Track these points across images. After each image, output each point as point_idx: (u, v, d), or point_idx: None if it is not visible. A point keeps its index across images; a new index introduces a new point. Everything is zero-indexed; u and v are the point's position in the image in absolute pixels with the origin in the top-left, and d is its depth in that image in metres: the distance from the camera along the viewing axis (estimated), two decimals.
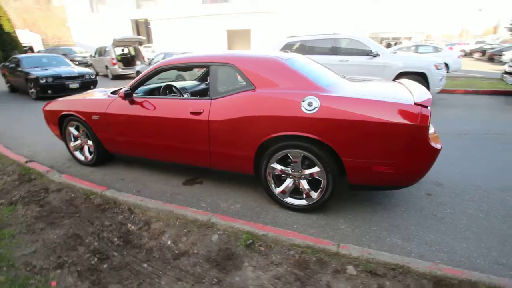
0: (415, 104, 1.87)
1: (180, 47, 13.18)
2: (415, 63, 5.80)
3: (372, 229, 2.11)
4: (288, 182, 2.31)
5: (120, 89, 3.31)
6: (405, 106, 1.86)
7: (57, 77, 7.56)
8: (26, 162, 3.28)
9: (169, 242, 1.96)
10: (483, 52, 22.49)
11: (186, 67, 2.64)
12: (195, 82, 4.06)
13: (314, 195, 2.22)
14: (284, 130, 2.10)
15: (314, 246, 1.79)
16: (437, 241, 1.96)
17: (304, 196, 2.27)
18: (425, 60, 5.93)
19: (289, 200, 2.32)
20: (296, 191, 2.33)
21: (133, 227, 2.15)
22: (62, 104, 3.30)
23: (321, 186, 2.19)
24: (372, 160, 1.97)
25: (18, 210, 2.40)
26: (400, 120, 1.83)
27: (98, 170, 3.27)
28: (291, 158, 2.20)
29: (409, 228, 2.11)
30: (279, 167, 2.28)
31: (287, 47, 6.73)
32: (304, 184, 2.24)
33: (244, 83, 2.30)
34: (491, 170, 3.03)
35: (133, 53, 13.33)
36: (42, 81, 7.30)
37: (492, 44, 24.31)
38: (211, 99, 2.38)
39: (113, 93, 3.10)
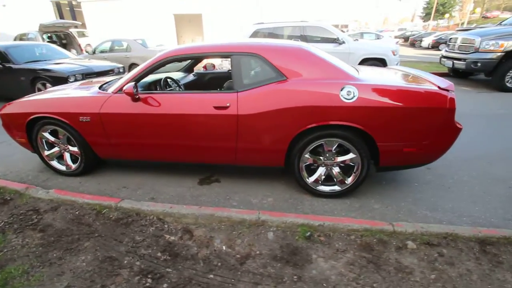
0: (440, 89, 2.07)
1: (125, 33, 11.78)
2: (376, 50, 6.34)
3: (401, 205, 2.31)
4: (321, 171, 2.35)
5: (108, 83, 2.86)
6: (435, 91, 2.04)
7: (88, 74, 5.50)
8: None
9: (224, 248, 1.84)
10: (406, 38, 25.68)
11: (202, 57, 2.40)
12: (181, 73, 3.73)
13: (348, 180, 2.32)
14: (322, 120, 2.11)
15: (371, 229, 1.89)
16: (456, 208, 2.26)
17: (337, 182, 2.34)
18: (384, 47, 6.53)
19: (323, 188, 2.38)
20: (326, 179, 2.38)
21: (172, 238, 1.94)
22: (30, 105, 2.70)
23: (355, 171, 2.29)
24: (404, 143, 2.13)
25: (12, 240, 1.93)
26: (434, 104, 2.01)
27: (88, 179, 2.82)
28: (325, 147, 2.24)
29: (429, 200, 2.38)
30: (311, 157, 2.30)
31: (255, 35, 6.63)
32: (337, 171, 2.32)
33: (273, 74, 2.21)
34: (461, 141, 3.56)
35: (64, 40, 11.48)
36: (72, 80, 5.14)
37: (412, 31, 27.90)
38: (237, 92, 2.24)
39: (102, 88, 2.66)
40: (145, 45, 8.67)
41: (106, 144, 2.59)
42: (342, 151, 2.27)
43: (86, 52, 9.11)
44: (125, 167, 3.03)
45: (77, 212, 2.20)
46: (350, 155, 2.23)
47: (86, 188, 2.67)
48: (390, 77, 2.48)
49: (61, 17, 20.44)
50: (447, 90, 2.07)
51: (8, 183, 2.60)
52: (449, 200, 2.37)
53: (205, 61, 4.72)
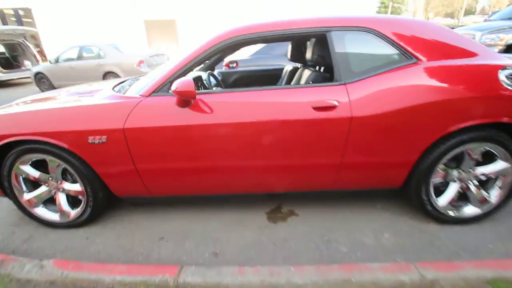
0: None
1: (89, 40, 10.38)
2: None
3: None
4: (454, 188, 1.70)
5: (120, 84, 1.97)
6: None
7: None
8: None
9: None
10: None
11: (281, 37, 1.62)
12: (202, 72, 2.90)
13: (493, 198, 1.70)
14: (477, 118, 1.47)
15: None
16: None
17: (477, 202, 1.71)
18: None
19: (464, 212, 1.72)
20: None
21: None
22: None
23: (499, 185, 1.68)
24: None
25: None
26: None
27: (97, 232, 1.86)
28: (469, 155, 1.60)
29: None
30: (443, 170, 1.65)
31: None
32: (476, 187, 1.69)
33: (397, 55, 1.54)
34: None
35: (15, 52, 9.75)
36: None
37: None
38: (345, 84, 1.52)
39: (118, 91, 1.76)
40: (119, 50, 7.50)
41: (131, 174, 1.68)
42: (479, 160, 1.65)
43: (49, 62, 7.56)
44: (144, 206, 2.11)
45: None
46: (501, 165, 1.62)
47: (100, 247, 1.72)
48: None
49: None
50: None
51: None
52: None
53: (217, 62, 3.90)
